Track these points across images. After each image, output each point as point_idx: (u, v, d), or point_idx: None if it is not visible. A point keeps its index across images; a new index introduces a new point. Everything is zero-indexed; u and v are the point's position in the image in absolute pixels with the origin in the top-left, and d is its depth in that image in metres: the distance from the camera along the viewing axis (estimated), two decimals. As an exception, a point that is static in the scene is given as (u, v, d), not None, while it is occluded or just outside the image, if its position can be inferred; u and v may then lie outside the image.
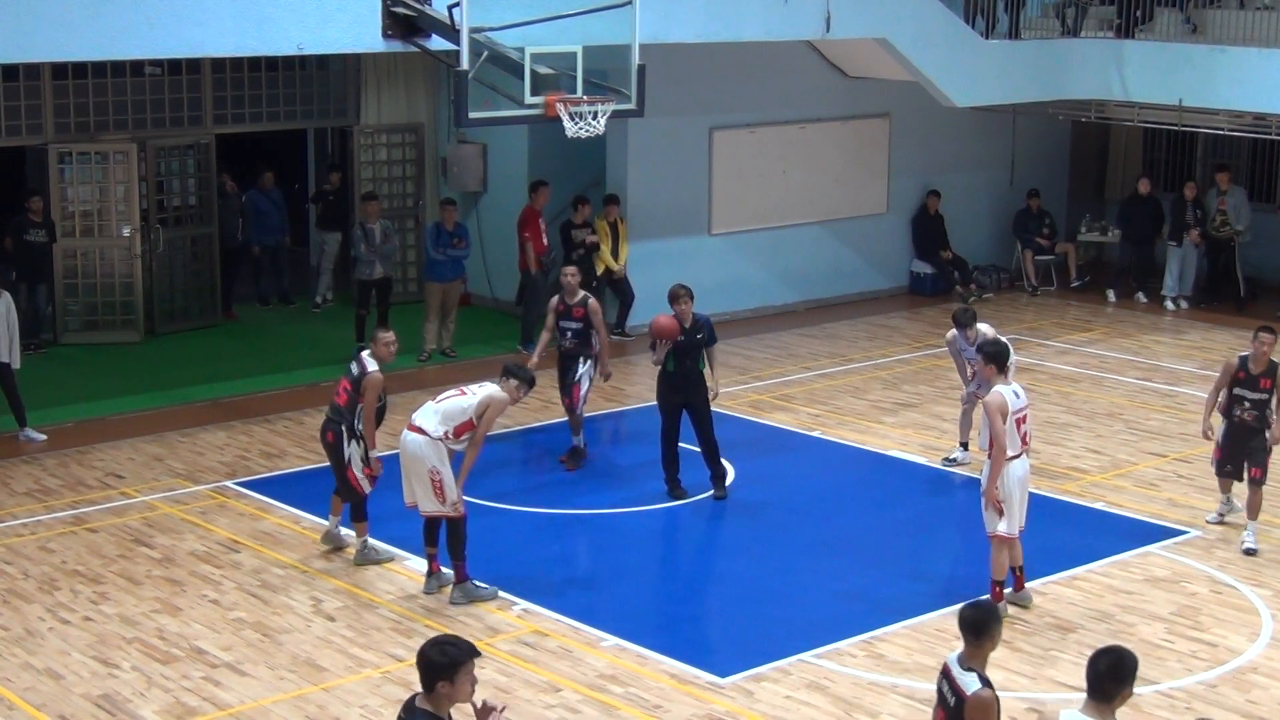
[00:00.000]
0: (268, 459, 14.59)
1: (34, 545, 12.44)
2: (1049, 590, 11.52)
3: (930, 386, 17.14)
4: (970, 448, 14.46)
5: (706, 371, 13.46)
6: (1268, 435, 12.46)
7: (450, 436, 11.21)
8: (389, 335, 12.11)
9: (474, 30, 13.73)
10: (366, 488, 11.92)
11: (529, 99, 13.93)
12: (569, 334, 14.24)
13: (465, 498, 11.43)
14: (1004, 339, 14.20)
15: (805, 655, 10.51)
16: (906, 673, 10.31)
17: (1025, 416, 11.20)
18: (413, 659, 10.46)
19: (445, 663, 6.35)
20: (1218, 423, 12.68)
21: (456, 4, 13.61)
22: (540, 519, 13.13)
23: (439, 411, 11.29)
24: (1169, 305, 21.03)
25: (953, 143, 22.00)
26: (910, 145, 21.59)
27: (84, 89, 18.21)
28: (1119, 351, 18.79)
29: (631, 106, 14.61)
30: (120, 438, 15.13)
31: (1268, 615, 11.26)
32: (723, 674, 10.25)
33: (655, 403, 13.69)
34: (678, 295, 13.32)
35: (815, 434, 15.54)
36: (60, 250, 18.30)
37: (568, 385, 14.32)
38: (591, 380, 14.39)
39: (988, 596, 6.68)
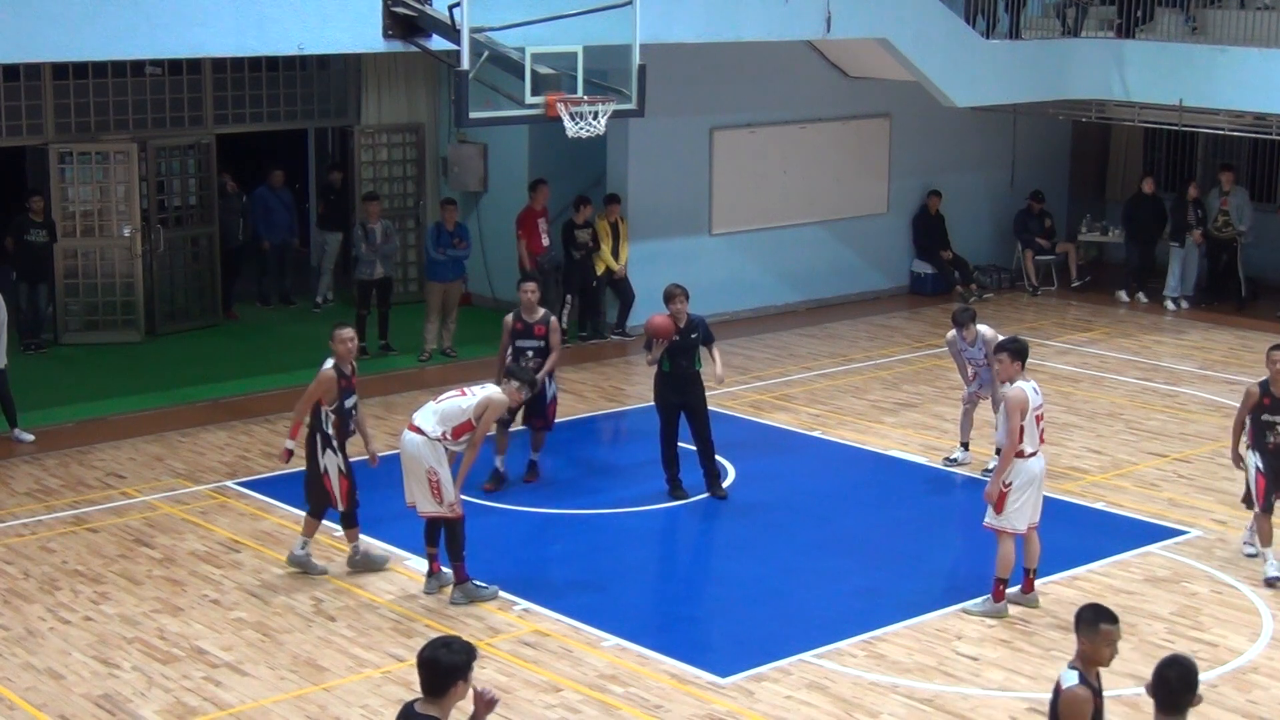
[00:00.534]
0: (268, 459, 14.58)
1: (35, 545, 12.44)
2: (1049, 590, 11.52)
3: (931, 386, 17.14)
4: (971, 448, 14.47)
5: (712, 359, 13.44)
6: None
7: (448, 437, 11.20)
8: (346, 332, 11.71)
9: (474, 30, 13.73)
10: (340, 505, 11.66)
11: (529, 99, 13.93)
12: (530, 353, 13.40)
13: (464, 498, 11.43)
14: (1003, 339, 14.25)
15: (806, 655, 10.51)
16: (907, 673, 10.31)
17: (1042, 414, 11.22)
18: (413, 659, 10.48)
19: (462, 663, 6.37)
20: (1248, 457, 12.00)
21: (457, 4, 13.61)
22: (540, 519, 13.13)
23: (438, 412, 11.29)
24: (1170, 305, 21.03)
25: (953, 143, 22.01)
26: (911, 145, 21.59)
27: (85, 89, 18.21)
28: (1120, 351, 18.79)
29: (632, 106, 14.61)
30: (121, 438, 15.14)
31: (1268, 615, 11.26)
32: (723, 674, 10.25)
33: (654, 403, 13.68)
34: (673, 295, 13.33)
35: (816, 434, 15.54)
36: (61, 250, 18.30)
37: (541, 408, 13.55)
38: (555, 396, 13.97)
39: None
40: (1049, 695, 9.96)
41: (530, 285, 13.68)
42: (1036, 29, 21.24)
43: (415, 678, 10.29)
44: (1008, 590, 11.34)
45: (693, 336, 13.31)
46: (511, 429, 13.75)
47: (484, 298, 20.72)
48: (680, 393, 13.39)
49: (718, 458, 13.72)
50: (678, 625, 11.29)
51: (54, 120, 18.12)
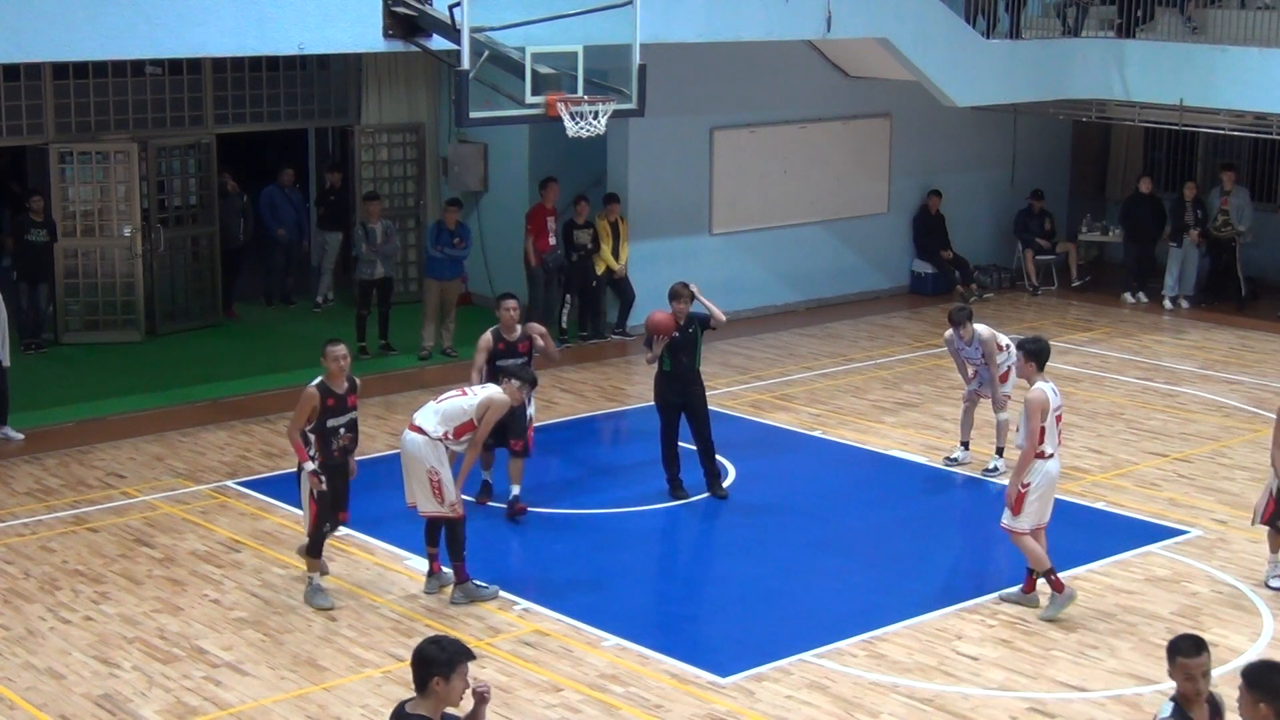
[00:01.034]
0: (269, 459, 14.59)
1: (35, 545, 12.44)
2: (1050, 590, 11.51)
3: (931, 386, 17.14)
4: (971, 447, 14.47)
5: (707, 307, 13.40)
6: None
7: (450, 437, 11.20)
8: (338, 349, 11.01)
9: (475, 30, 13.73)
10: (307, 526, 11.23)
11: (530, 99, 13.93)
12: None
13: (465, 498, 11.42)
14: (1004, 338, 14.26)
15: (806, 655, 10.51)
16: (907, 672, 10.31)
17: (1061, 415, 11.20)
18: (414, 659, 10.49)
19: (443, 658, 6.30)
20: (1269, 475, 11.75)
21: (457, 4, 13.62)
22: (541, 519, 13.12)
23: (439, 412, 11.28)
24: (1168, 305, 21.04)
25: (953, 142, 22.01)
26: (911, 145, 21.59)
27: (85, 89, 18.21)
28: (1120, 351, 18.79)
29: (632, 106, 14.61)
30: (121, 437, 15.14)
31: (1268, 615, 11.26)
32: (724, 674, 10.25)
33: (654, 403, 13.68)
34: (679, 294, 13.32)
35: (816, 434, 15.54)
36: (61, 250, 18.30)
37: (519, 429, 12.73)
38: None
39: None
40: (1049, 695, 10.01)
41: (511, 303, 12.98)
42: (1037, 29, 21.24)
43: (416, 677, 10.31)
44: (1012, 589, 11.35)
45: (691, 332, 13.31)
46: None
47: (484, 298, 20.70)
48: (681, 392, 13.38)
49: (718, 457, 13.72)
50: (678, 625, 11.29)
51: (54, 120, 18.12)
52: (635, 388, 17.04)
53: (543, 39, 14.24)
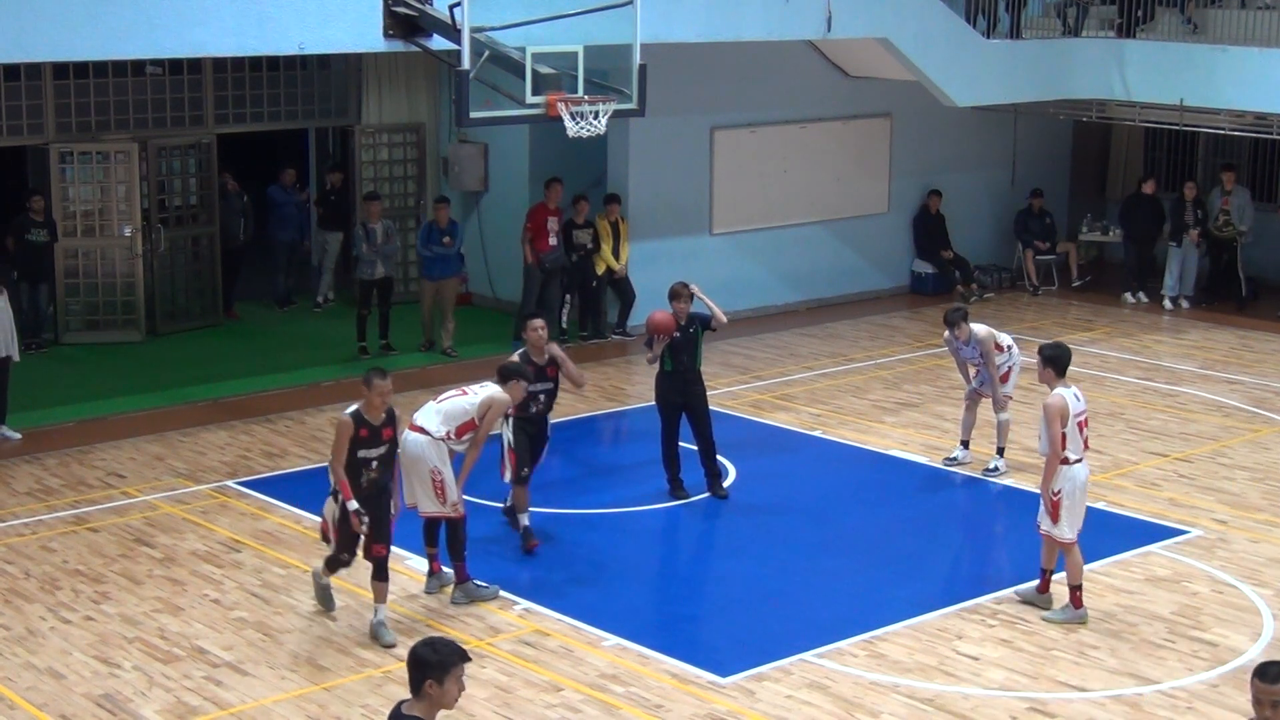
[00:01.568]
0: (269, 459, 14.59)
1: (35, 545, 12.44)
2: (1050, 590, 11.50)
3: (931, 386, 17.14)
4: (971, 447, 14.47)
5: (709, 307, 13.39)
6: None
7: (452, 437, 11.20)
8: (385, 384, 10.64)
9: (475, 30, 13.74)
10: (330, 536, 10.77)
11: (530, 99, 13.94)
12: (541, 397, 12.29)
13: (465, 497, 11.42)
14: (1006, 338, 14.25)
15: (806, 655, 10.50)
16: (908, 672, 10.31)
17: (1086, 420, 11.08)
18: (414, 659, 10.49)
19: (435, 661, 6.27)
20: None
21: (458, 4, 13.62)
22: (541, 519, 13.10)
23: (441, 411, 11.28)
24: (1167, 305, 21.04)
25: (954, 142, 22.01)
26: (911, 145, 21.59)
27: (85, 89, 18.21)
28: (1120, 351, 18.79)
29: (632, 106, 14.62)
30: (121, 437, 15.14)
31: (1269, 615, 11.25)
32: (724, 674, 10.25)
33: (655, 403, 13.68)
34: (678, 293, 13.32)
35: (816, 434, 15.54)
36: (62, 250, 18.31)
37: (538, 453, 12.42)
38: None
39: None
40: (1049, 695, 10.01)
41: (538, 322, 12.38)
42: (1037, 28, 21.24)
43: (416, 677, 10.30)
44: (1028, 585, 11.32)
45: (691, 331, 13.31)
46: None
47: (484, 297, 20.73)
48: (682, 392, 13.38)
49: (718, 457, 13.72)
50: (678, 625, 11.29)
51: (55, 120, 18.12)
52: (635, 388, 17.04)
53: (543, 39, 14.25)
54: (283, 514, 13.16)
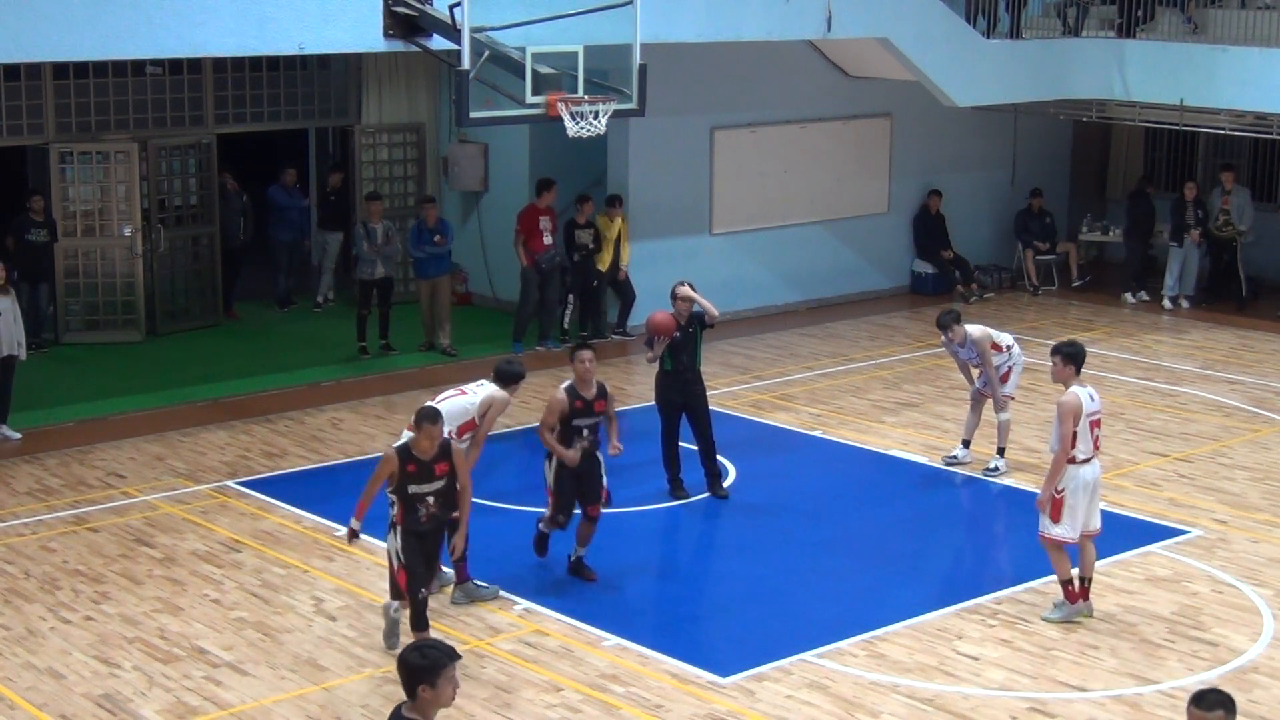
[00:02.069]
0: (269, 459, 14.59)
1: (35, 545, 12.44)
2: (1051, 590, 11.50)
3: (931, 386, 17.14)
4: (971, 447, 14.47)
5: (700, 304, 13.34)
6: None
7: (454, 436, 11.19)
8: (436, 429, 10.07)
9: (475, 30, 13.74)
10: (402, 595, 10.19)
11: (530, 99, 13.94)
12: (585, 432, 11.59)
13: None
14: (1007, 338, 14.25)
15: (806, 655, 10.50)
16: (908, 672, 10.31)
17: (1099, 420, 11.04)
18: (414, 659, 10.48)
19: (425, 666, 6.28)
20: None
21: (458, 4, 13.62)
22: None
23: (442, 412, 11.26)
24: (1167, 305, 21.04)
25: (954, 142, 22.01)
26: (911, 145, 21.59)
27: (85, 89, 18.22)
28: (1120, 351, 18.79)
29: (633, 106, 14.62)
30: (121, 437, 15.14)
31: (1269, 615, 11.25)
32: (724, 674, 10.25)
33: (655, 403, 13.68)
34: (673, 293, 13.31)
35: (817, 434, 15.54)
36: (61, 250, 18.31)
37: (593, 491, 11.68)
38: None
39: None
40: (1049, 695, 10.01)
41: (587, 354, 11.55)
42: (1037, 28, 21.24)
43: (416, 677, 10.29)
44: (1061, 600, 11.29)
45: (691, 331, 13.31)
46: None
47: (484, 297, 20.73)
48: (682, 392, 13.38)
49: (719, 457, 13.72)
50: (678, 625, 11.29)
51: (55, 120, 18.12)
52: (635, 388, 17.04)
53: (543, 39, 14.24)
54: (283, 514, 13.16)
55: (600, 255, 18.75)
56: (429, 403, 10.34)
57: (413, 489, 10.08)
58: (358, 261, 18.20)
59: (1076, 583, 11.14)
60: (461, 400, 11.35)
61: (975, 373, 14.37)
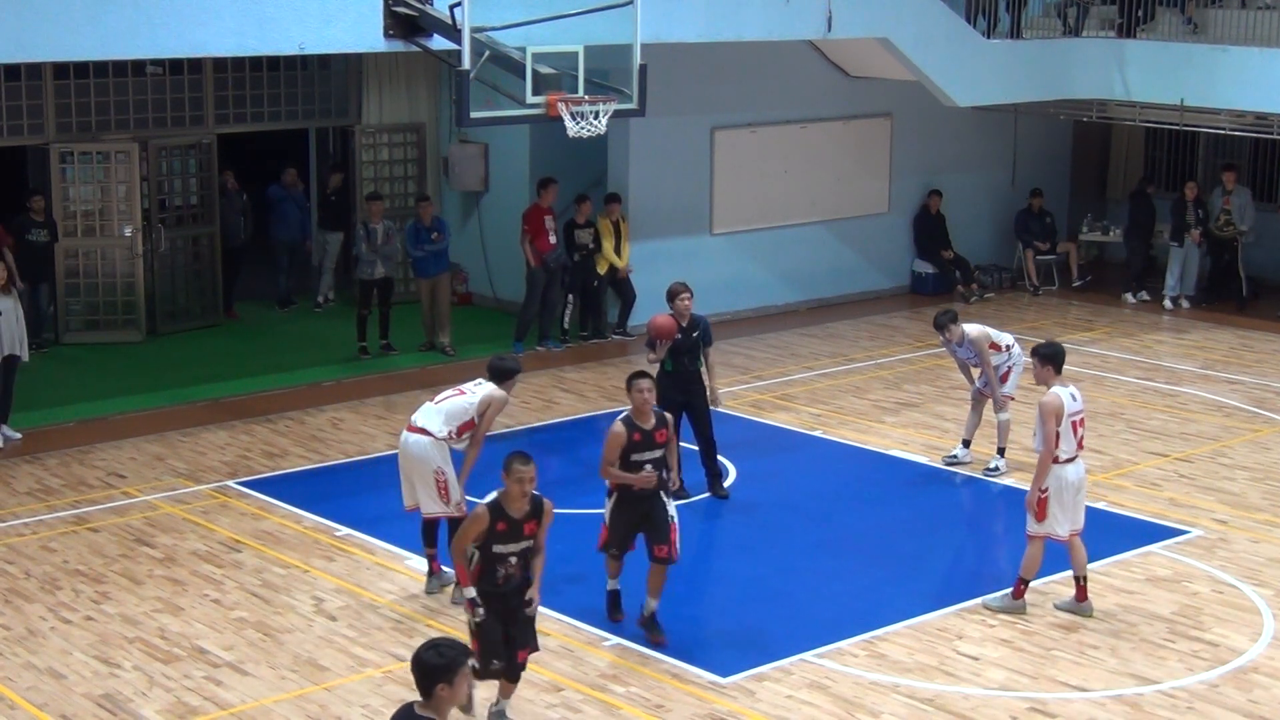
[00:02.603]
0: (269, 459, 14.59)
1: (36, 545, 12.44)
2: (1051, 590, 11.51)
3: (932, 386, 17.14)
4: (971, 446, 14.47)
5: (706, 376, 13.43)
6: None
7: (454, 436, 11.21)
8: (528, 470, 9.16)
9: (475, 30, 13.74)
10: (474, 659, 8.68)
11: (530, 99, 13.94)
12: (648, 466, 10.68)
13: (467, 497, 11.41)
14: (1007, 337, 14.24)
15: (807, 655, 10.50)
16: (908, 672, 10.31)
17: (1083, 419, 11.10)
18: (414, 659, 10.48)
19: (443, 664, 6.30)
20: None
21: (458, 4, 13.63)
22: (541, 519, 13.12)
23: (442, 412, 11.28)
24: (1168, 305, 21.04)
25: (954, 142, 22.01)
26: (912, 145, 21.59)
27: (85, 89, 18.22)
28: (1120, 351, 18.79)
29: (633, 106, 14.62)
30: (122, 437, 15.14)
31: (1269, 615, 11.25)
32: (724, 673, 10.25)
33: (656, 404, 13.65)
34: (677, 293, 13.32)
35: (817, 433, 15.54)
36: (62, 250, 18.31)
37: (659, 530, 10.65)
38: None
39: None
40: (1049, 695, 10.00)
41: (645, 384, 10.73)
42: (1037, 28, 21.24)
43: (416, 677, 10.29)
44: (1065, 599, 11.29)
45: (694, 335, 13.32)
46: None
47: (484, 297, 20.73)
48: (684, 391, 13.37)
49: (719, 457, 13.72)
50: (678, 625, 11.27)
51: (55, 120, 18.12)
52: (636, 388, 17.01)
53: (543, 39, 14.25)
54: (283, 514, 13.16)
55: (600, 255, 18.74)
56: (520, 452, 9.29)
57: (497, 549, 9.16)
58: (358, 261, 18.20)
59: (1074, 583, 11.21)
60: (460, 400, 11.35)
61: (975, 373, 14.37)
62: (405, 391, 16.58)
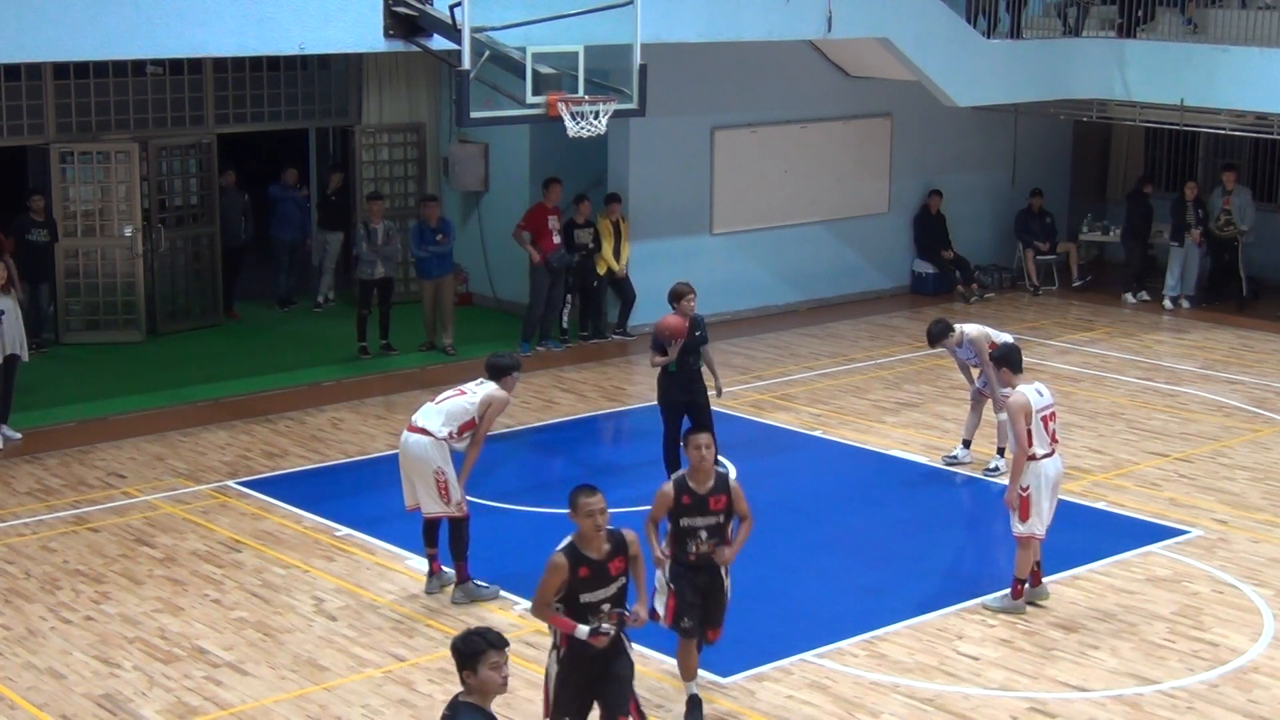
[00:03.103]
0: (269, 458, 14.59)
1: (36, 545, 12.44)
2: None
3: (932, 386, 17.14)
4: (971, 446, 14.46)
5: (706, 371, 13.46)
6: None
7: (454, 436, 11.21)
8: (595, 501, 8.24)
9: (476, 30, 13.73)
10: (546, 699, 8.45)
11: (530, 99, 13.94)
12: (702, 534, 9.49)
13: (468, 497, 11.42)
14: (1007, 338, 14.22)
15: (807, 655, 10.51)
16: (908, 672, 10.31)
17: (1053, 414, 11.17)
18: (414, 659, 10.51)
19: (466, 653, 6.46)
20: None
21: (458, 4, 13.62)
22: (542, 519, 13.11)
23: (442, 412, 11.28)
24: (1168, 305, 21.03)
25: (954, 142, 22.01)
26: (912, 145, 21.59)
27: (85, 89, 18.22)
28: (1121, 351, 18.79)
29: (633, 106, 14.61)
30: (122, 437, 15.14)
31: (1269, 615, 11.25)
32: (724, 673, 10.25)
33: (655, 402, 13.67)
34: (684, 293, 13.26)
35: (817, 434, 15.53)
36: (62, 250, 18.31)
37: (714, 610, 9.67)
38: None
39: None
40: (1049, 695, 10.00)
41: (705, 438, 9.52)
42: (1037, 28, 21.24)
43: (416, 677, 10.35)
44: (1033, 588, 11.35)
45: (696, 334, 13.33)
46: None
47: (485, 297, 20.73)
48: (687, 390, 13.38)
49: (720, 457, 13.70)
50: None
51: (55, 120, 18.12)
52: (636, 387, 17.04)
53: (543, 39, 14.24)
54: (283, 514, 13.16)
55: (599, 255, 18.74)
56: (585, 485, 8.43)
57: (585, 598, 8.06)
58: (358, 261, 18.19)
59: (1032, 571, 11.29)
60: (461, 400, 11.35)
61: (975, 373, 14.37)
62: (405, 391, 16.58)
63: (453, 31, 13.90)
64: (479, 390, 11.40)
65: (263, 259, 20.71)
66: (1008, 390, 11.46)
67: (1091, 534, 12.82)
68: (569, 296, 18.96)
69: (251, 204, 20.24)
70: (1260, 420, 16.00)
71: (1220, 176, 21.46)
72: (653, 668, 10.34)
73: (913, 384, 17.29)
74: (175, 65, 18.68)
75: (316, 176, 21.96)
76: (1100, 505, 13.50)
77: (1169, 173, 23.40)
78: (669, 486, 9.54)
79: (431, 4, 14.36)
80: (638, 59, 14.50)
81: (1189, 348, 19.11)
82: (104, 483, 13.90)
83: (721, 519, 9.46)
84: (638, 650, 10.49)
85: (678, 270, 17.08)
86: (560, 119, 14.01)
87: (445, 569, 11.49)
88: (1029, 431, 10.97)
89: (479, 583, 11.38)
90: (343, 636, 10.78)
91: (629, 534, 8.34)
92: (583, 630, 8.04)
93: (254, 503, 13.45)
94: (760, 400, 16.62)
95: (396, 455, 11.62)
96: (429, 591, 11.49)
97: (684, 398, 13.38)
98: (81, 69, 17.99)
